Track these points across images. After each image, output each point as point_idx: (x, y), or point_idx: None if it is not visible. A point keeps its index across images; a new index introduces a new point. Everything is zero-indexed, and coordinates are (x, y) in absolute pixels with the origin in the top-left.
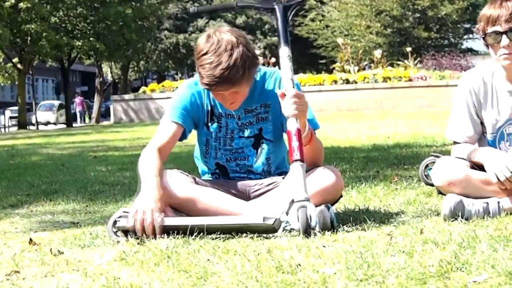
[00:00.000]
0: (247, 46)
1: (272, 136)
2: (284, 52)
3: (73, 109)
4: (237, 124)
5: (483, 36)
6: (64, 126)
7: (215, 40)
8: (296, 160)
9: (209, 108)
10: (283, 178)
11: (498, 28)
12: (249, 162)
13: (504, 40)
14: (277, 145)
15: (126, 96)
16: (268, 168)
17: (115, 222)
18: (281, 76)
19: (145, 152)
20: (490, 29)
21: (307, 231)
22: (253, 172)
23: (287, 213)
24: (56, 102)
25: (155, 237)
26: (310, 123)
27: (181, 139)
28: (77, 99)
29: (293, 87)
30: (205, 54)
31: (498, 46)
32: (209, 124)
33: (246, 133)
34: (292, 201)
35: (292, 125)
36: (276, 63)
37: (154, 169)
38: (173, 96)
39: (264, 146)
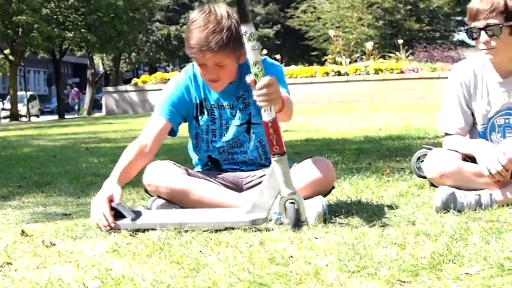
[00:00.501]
0: (238, 23)
1: (259, 119)
2: (243, 30)
3: (67, 100)
4: (231, 114)
5: (467, 29)
6: (36, 118)
7: (207, 10)
8: (276, 154)
9: (198, 101)
10: None
11: (477, 23)
12: (244, 148)
13: (483, 36)
14: None
15: (118, 88)
16: (263, 150)
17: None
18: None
19: (129, 146)
20: (472, 24)
21: (296, 226)
22: (246, 163)
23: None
24: (28, 93)
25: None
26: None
27: (172, 135)
28: (73, 91)
29: (260, 71)
30: (195, 20)
31: (479, 41)
32: (199, 117)
33: (239, 120)
34: (280, 196)
35: (267, 116)
36: (268, 55)
37: (122, 163)
38: (162, 92)
39: (254, 129)
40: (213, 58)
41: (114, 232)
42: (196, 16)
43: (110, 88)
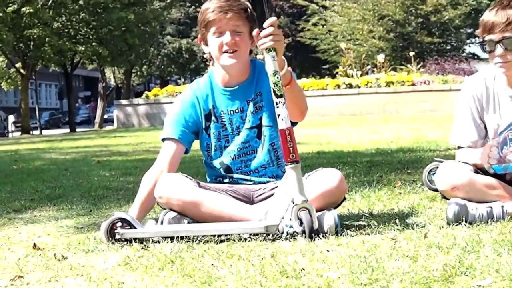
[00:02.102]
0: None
1: (271, 121)
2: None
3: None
4: (241, 118)
5: (481, 42)
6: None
7: None
8: (292, 162)
9: (207, 111)
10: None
11: (492, 36)
12: (257, 154)
13: (498, 49)
14: (278, 130)
15: (129, 101)
16: (275, 154)
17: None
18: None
19: (146, 175)
20: (486, 37)
21: (312, 232)
22: (258, 171)
23: (290, 219)
24: None
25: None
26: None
27: (184, 153)
28: (92, 104)
29: (279, 80)
30: None
31: (493, 54)
32: (210, 125)
33: (249, 124)
34: (293, 204)
35: (283, 123)
36: None
37: (141, 195)
38: (169, 111)
39: (266, 132)
40: (233, 21)
41: (127, 244)
42: None
43: (121, 101)
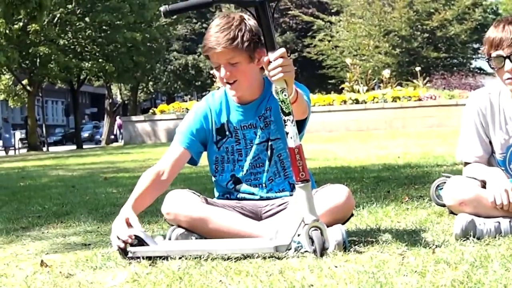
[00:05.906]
0: (253, 27)
1: (279, 134)
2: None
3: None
4: (255, 133)
5: (487, 59)
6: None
7: (223, 15)
8: (302, 181)
9: (219, 125)
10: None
11: (501, 52)
12: (265, 167)
13: (508, 64)
14: (285, 142)
15: (136, 118)
16: (281, 164)
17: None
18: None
19: (145, 172)
20: (493, 53)
21: (323, 253)
22: (266, 186)
23: (299, 235)
24: None
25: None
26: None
27: (193, 164)
28: (118, 122)
29: (287, 98)
30: (211, 24)
31: (502, 70)
32: (222, 140)
33: (260, 139)
34: (303, 223)
35: (292, 142)
36: None
37: (137, 191)
38: (183, 120)
39: (274, 146)
40: (223, 55)
41: (135, 261)
42: (216, 19)
43: (128, 118)
